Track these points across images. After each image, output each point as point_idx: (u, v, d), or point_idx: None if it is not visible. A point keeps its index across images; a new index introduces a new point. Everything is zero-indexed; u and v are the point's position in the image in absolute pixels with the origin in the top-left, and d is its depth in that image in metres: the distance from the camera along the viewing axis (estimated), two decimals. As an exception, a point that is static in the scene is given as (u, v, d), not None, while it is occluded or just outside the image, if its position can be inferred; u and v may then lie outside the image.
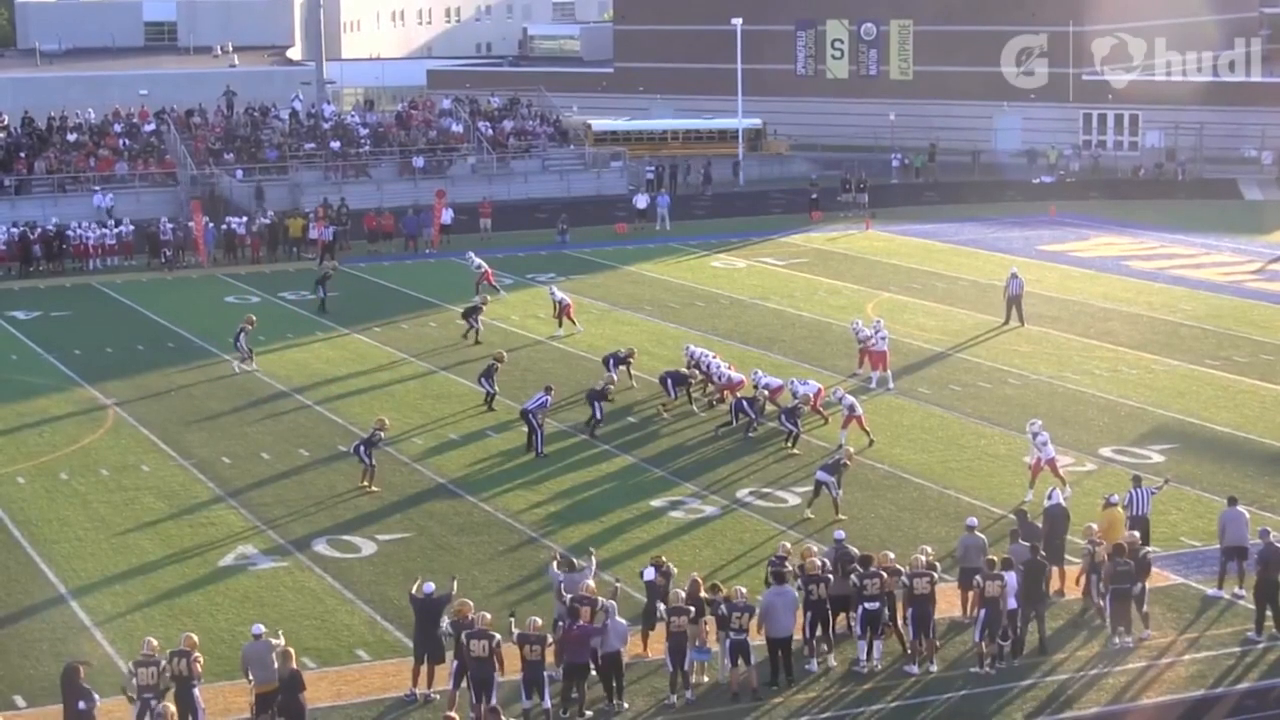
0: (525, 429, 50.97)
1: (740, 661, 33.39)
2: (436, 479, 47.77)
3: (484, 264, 72.44)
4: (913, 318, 67.93)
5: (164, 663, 31.06)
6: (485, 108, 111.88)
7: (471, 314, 65.20)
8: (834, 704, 33.21)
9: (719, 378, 55.03)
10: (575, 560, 36.94)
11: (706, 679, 34.06)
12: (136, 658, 31.40)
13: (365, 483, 46.55)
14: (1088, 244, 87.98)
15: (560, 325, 65.87)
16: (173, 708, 29.75)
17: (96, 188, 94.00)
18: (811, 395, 52.20)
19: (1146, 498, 40.03)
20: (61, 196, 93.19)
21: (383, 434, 47.32)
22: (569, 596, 33.95)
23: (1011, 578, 34.81)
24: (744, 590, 34.13)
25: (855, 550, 36.17)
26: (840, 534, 37.18)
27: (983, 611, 34.56)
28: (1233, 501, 39.23)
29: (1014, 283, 67.63)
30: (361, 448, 46.72)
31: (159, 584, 39.94)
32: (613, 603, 33.69)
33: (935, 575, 35.09)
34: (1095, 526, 37.54)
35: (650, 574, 35.57)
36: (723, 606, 33.64)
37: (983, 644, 34.61)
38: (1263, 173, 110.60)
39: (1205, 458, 48.95)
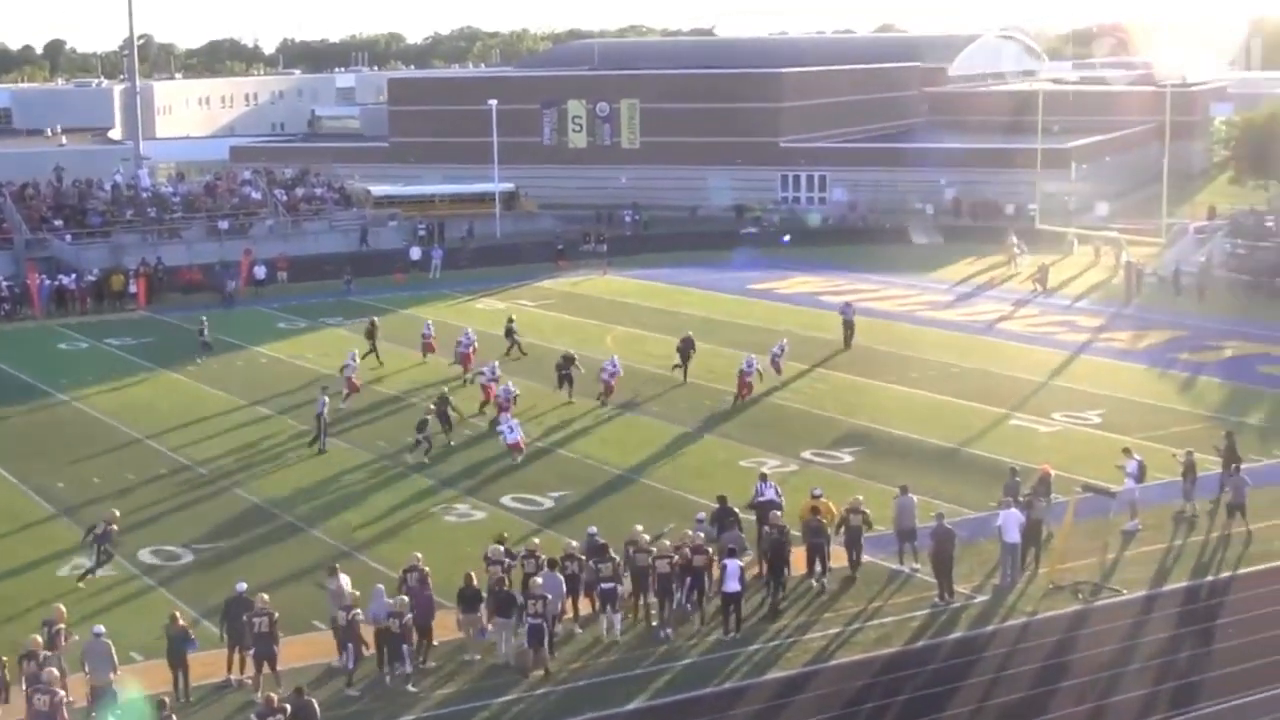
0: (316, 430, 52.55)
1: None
2: (247, 496, 47.04)
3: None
4: (644, 347, 68.34)
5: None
6: (280, 178, 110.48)
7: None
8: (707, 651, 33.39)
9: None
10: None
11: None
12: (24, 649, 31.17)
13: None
14: (787, 283, 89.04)
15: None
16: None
17: None
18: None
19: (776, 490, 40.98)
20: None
21: (114, 528, 40.00)
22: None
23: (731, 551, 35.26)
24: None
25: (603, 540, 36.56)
26: (593, 530, 37.47)
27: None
28: (904, 490, 40.02)
29: (847, 309, 70.01)
30: (94, 540, 39.60)
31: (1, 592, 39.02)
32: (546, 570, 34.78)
33: (868, 514, 38.69)
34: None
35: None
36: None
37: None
38: (927, 221, 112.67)
39: (886, 457, 49.81)
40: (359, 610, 32.87)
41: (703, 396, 58.80)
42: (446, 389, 57.37)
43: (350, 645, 32.58)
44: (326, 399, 53.51)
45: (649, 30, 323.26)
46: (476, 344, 64.12)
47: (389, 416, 57.19)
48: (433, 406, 53.00)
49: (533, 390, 58.07)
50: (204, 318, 72.55)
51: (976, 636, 34.97)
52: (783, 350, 62.25)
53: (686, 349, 62.23)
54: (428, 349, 66.32)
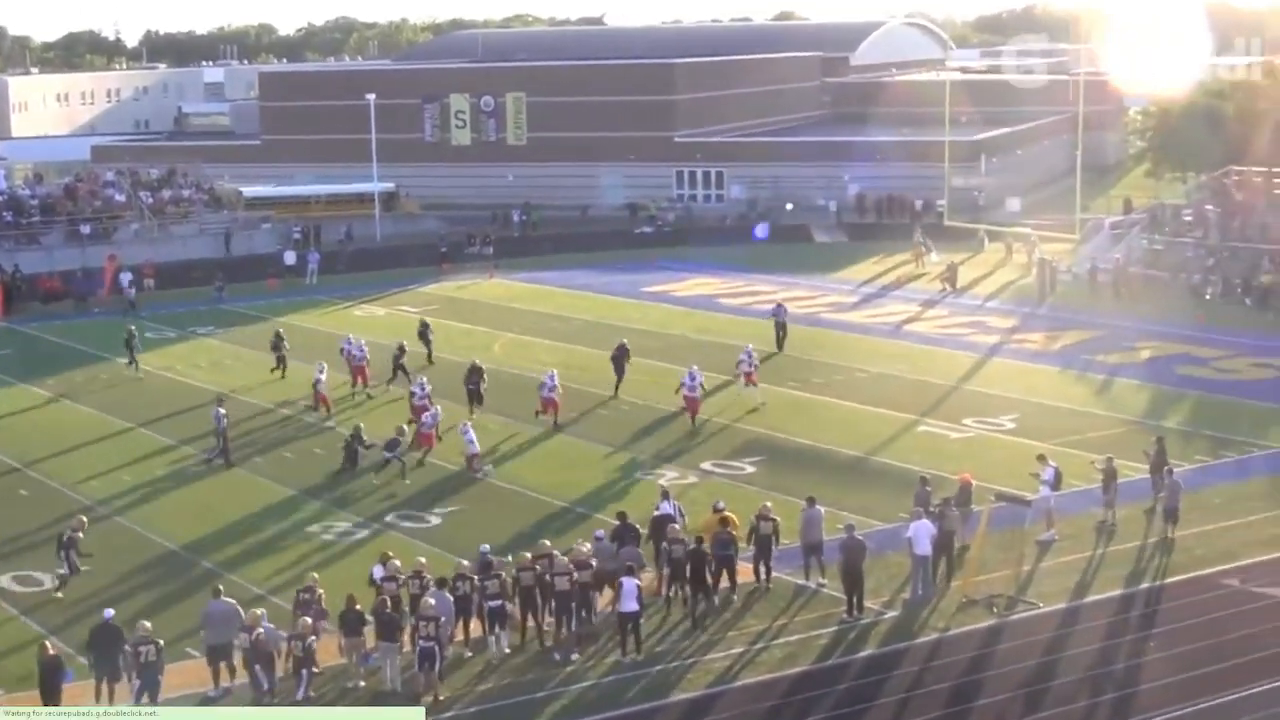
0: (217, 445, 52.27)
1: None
2: (117, 520, 46.47)
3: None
4: (533, 353, 68.37)
5: None
6: (145, 179, 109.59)
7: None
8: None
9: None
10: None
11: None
12: None
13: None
14: (684, 285, 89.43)
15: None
16: None
17: None
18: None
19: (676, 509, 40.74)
20: None
21: (80, 534, 40.80)
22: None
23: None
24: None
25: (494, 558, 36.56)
26: (485, 548, 37.36)
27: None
28: (811, 502, 40.24)
29: (780, 311, 70.33)
30: (64, 552, 40.19)
31: None
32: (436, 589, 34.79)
33: (778, 521, 38.97)
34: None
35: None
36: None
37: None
38: (830, 219, 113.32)
39: (790, 466, 50.07)
40: (261, 630, 32.78)
41: (597, 406, 58.81)
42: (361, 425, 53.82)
43: (258, 667, 32.58)
44: (223, 411, 52.93)
45: (535, 20, 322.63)
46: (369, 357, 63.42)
47: (277, 432, 56.91)
48: (405, 427, 51.63)
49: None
50: (131, 326, 70.93)
51: (887, 654, 35.19)
52: (750, 358, 60.18)
53: (621, 359, 61.11)
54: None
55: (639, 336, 68.87)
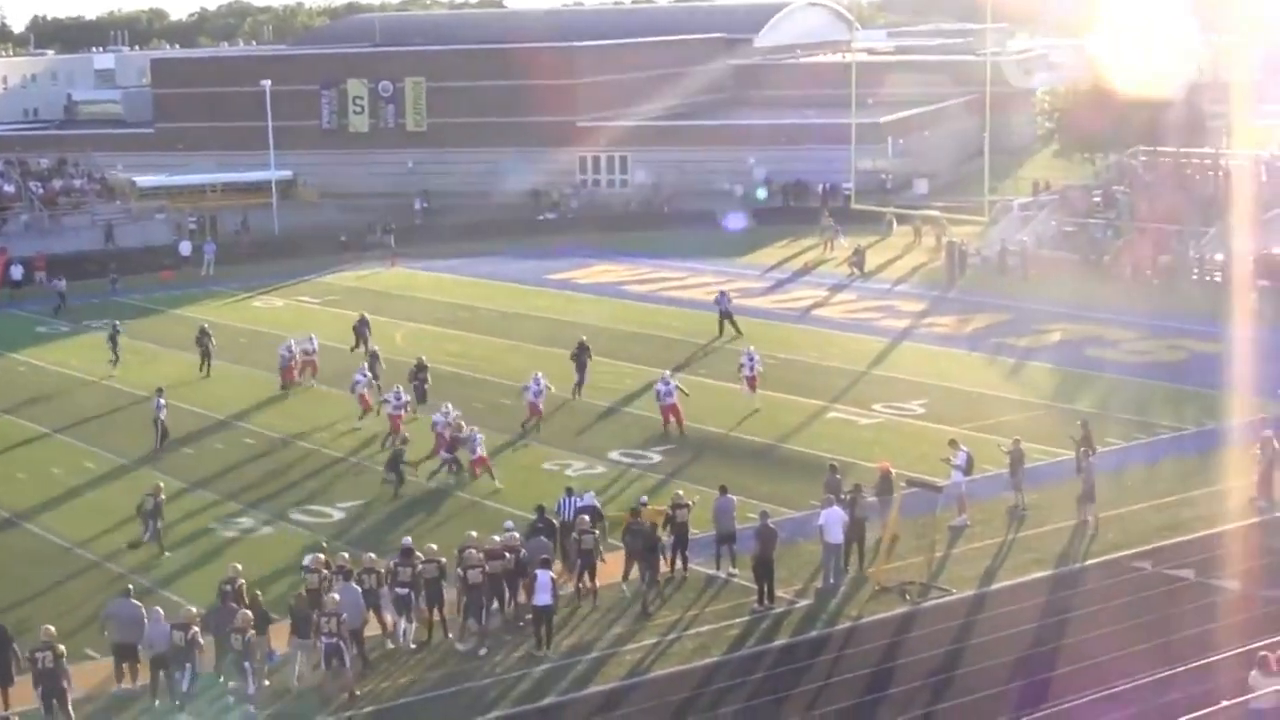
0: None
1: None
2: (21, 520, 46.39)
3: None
4: (439, 344, 68.26)
5: None
6: (35, 169, 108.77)
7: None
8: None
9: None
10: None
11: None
12: None
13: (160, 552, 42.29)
14: (589, 272, 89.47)
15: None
16: None
17: None
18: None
19: (573, 506, 40.35)
20: None
21: (161, 499, 42.83)
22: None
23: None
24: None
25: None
26: (407, 540, 37.26)
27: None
28: (723, 490, 40.46)
29: (722, 298, 70.55)
30: (146, 516, 42.41)
31: None
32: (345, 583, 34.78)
33: (692, 506, 39.68)
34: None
35: None
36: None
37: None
38: (736, 204, 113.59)
39: (698, 455, 50.33)
40: (195, 628, 32.70)
41: (499, 395, 58.71)
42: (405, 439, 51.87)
43: (189, 666, 32.39)
44: (163, 401, 53.09)
45: (434, 2, 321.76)
46: (299, 357, 62.39)
47: (196, 435, 55.92)
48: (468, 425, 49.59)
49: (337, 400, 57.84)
50: (116, 322, 69.37)
51: (800, 643, 35.46)
52: (752, 361, 57.94)
53: (582, 356, 59.34)
54: (310, 367, 63.27)
55: (547, 326, 69.05)
